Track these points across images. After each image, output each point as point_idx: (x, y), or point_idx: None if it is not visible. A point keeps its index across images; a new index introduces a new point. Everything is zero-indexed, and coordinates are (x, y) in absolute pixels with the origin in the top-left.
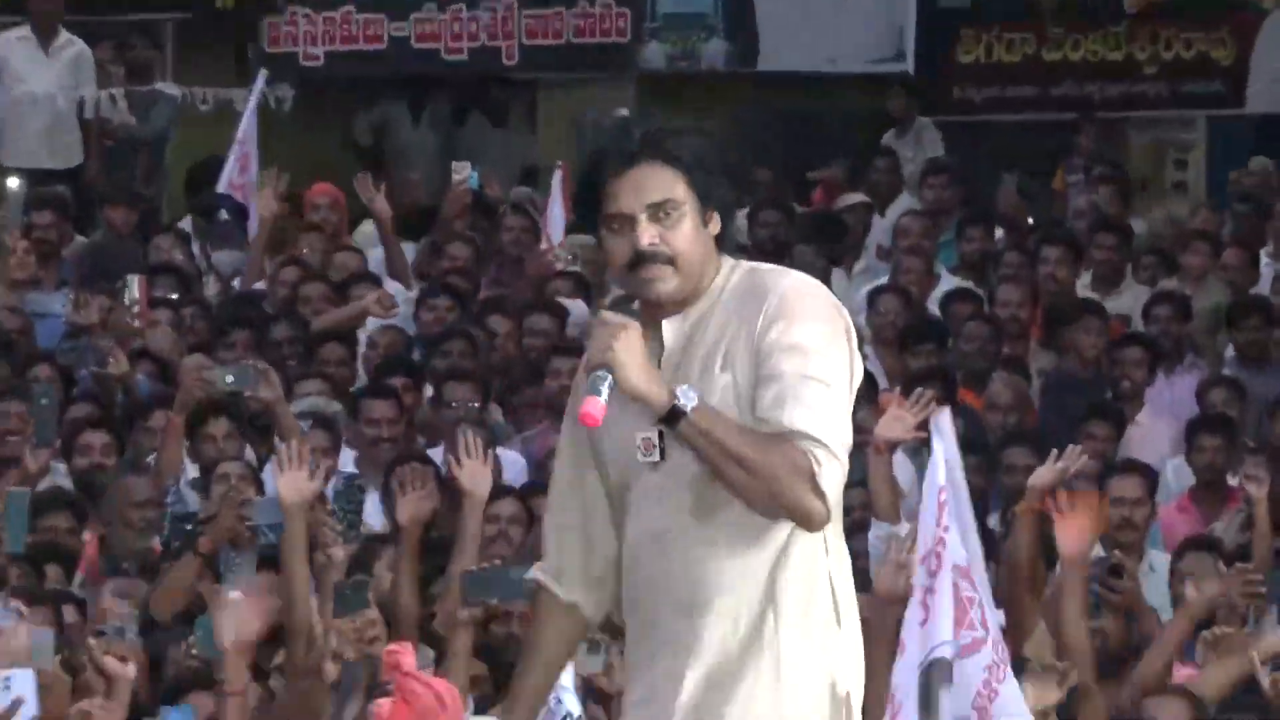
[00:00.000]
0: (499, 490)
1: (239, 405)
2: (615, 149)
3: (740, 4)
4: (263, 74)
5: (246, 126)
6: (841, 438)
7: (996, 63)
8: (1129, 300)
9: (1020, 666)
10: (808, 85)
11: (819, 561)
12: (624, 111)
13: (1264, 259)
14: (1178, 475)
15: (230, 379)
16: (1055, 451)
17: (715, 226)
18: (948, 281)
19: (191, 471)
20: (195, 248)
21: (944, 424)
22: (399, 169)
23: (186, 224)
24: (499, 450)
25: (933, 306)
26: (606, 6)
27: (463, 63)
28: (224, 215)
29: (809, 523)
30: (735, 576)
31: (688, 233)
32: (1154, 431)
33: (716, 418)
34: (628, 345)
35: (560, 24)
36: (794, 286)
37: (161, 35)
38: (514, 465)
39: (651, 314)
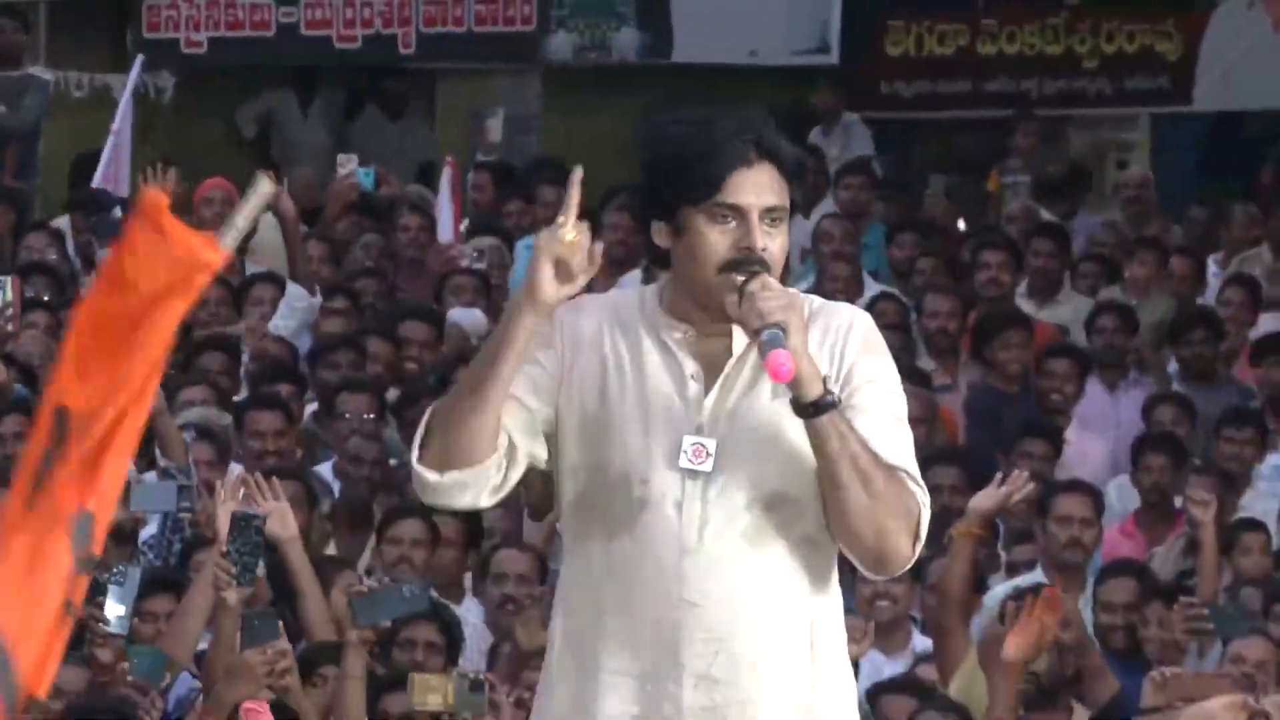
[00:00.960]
0: (399, 510)
1: None
2: (743, 135)
3: None
4: (140, 60)
5: (122, 116)
6: (914, 469)
7: (927, 56)
8: (1068, 311)
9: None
10: (727, 78)
11: (840, 604)
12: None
13: (1211, 267)
14: (1121, 496)
15: None
16: (1000, 475)
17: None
18: (871, 288)
19: None
20: (71, 246)
21: None
22: (286, 164)
23: (61, 221)
24: (394, 464)
25: None
26: None
27: (356, 51)
28: (117, 212)
29: (888, 566)
30: (782, 612)
31: (783, 244)
32: (1085, 449)
33: (852, 424)
34: (798, 312)
35: (461, 10)
36: (868, 322)
37: (33, 18)
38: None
39: (718, 317)
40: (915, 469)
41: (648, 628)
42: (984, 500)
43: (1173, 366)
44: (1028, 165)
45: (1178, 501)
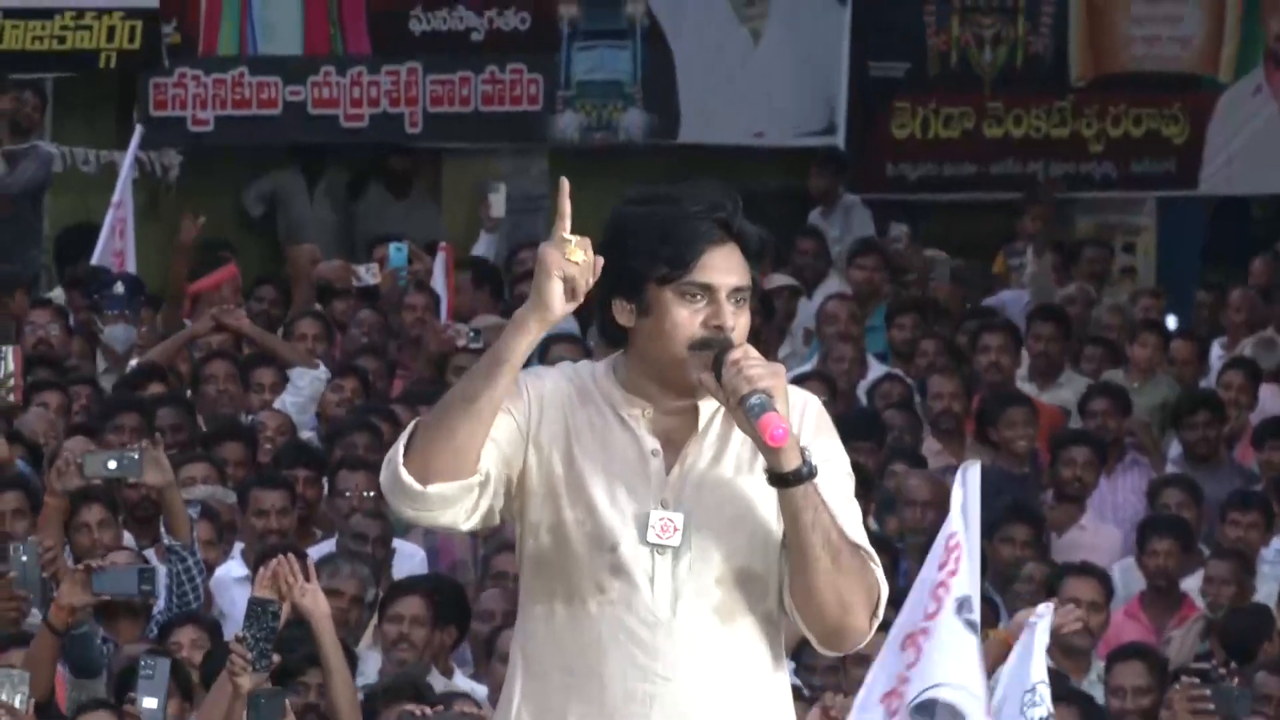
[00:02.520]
0: (399, 587)
1: (114, 493)
2: (712, 214)
3: (661, 72)
4: (139, 129)
5: (122, 189)
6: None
7: (933, 138)
8: (1069, 393)
9: None
10: (732, 159)
11: (788, 681)
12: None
13: (1215, 350)
14: (1126, 579)
15: (113, 464)
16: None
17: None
18: (876, 369)
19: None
20: (71, 321)
21: (970, 476)
22: (291, 242)
23: (57, 294)
24: (397, 542)
25: (861, 396)
26: (517, 72)
27: (363, 130)
28: (119, 288)
29: (846, 641)
30: (749, 689)
31: (746, 324)
32: (1102, 534)
33: (823, 498)
34: (782, 380)
35: (468, 90)
36: (819, 405)
37: (45, 94)
38: (412, 558)
39: (681, 393)
40: (871, 549)
41: (620, 697)
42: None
43: (1173, 450)
44: (1035, 247)
45: (1183, 585)
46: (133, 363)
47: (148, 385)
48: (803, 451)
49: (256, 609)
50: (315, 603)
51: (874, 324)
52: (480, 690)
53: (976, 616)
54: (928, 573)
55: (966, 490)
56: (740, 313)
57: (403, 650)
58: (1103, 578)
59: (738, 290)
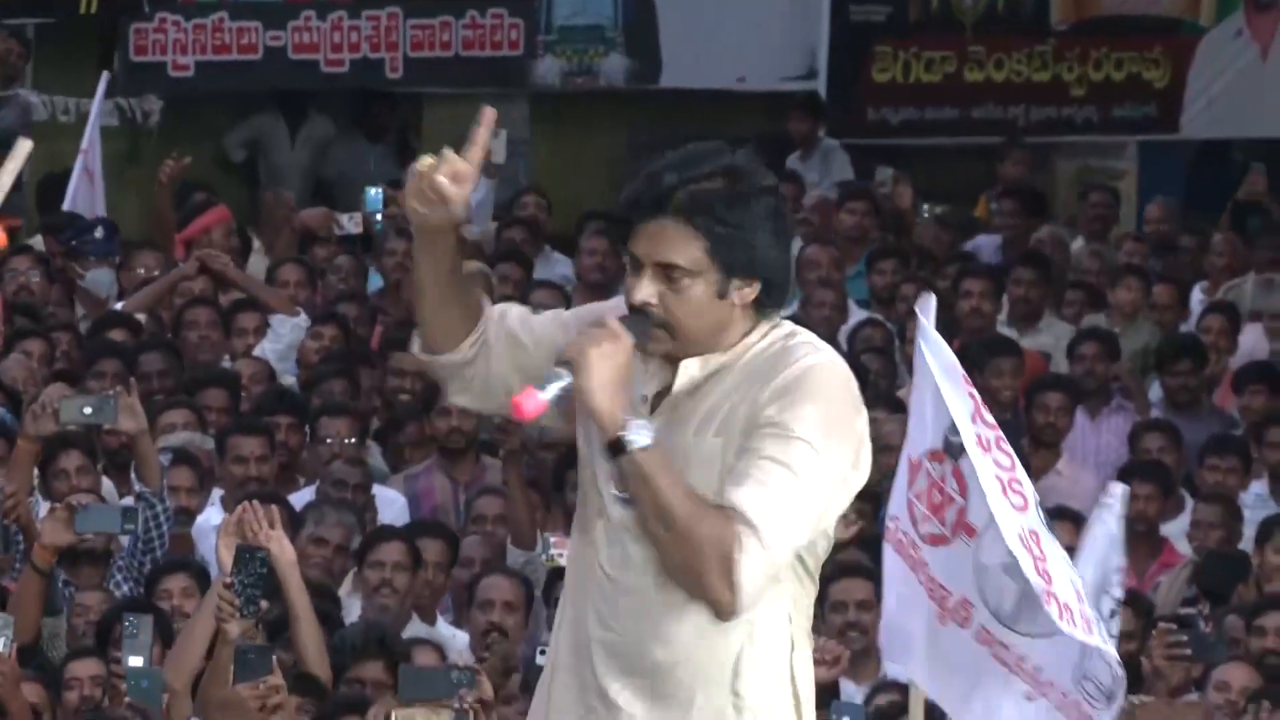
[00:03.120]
0: (380, 533)
1: (93, 439)
2: (648, 191)
3: (642, 16)
4: (105, 76)
5: (90, 137)
6: (787, 532)
7: (914, 83)
8: (1049, 338)
9: None
10: (713, 104)
11: (783, 654)
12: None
13: (1196, 294)
14: None
15: (88, 410)
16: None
17: (748, 294)
18: (857, 314)
19: (44, 510)
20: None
21: (925, 306)
22: (273, 188)
23: (36, 241)
24: (377, 489)
25: (843, 342)
26: (498, 17)
27: (344, 75)
28: (99, 232)
29: (716, 610)
30: (703, 655)
31: (694, 301)
32: (1079, 480)
33: (664, 468)
34: (605, 356)
35: (449, 35)
36: (815, 366)
37: (24, 42)
38: (392, 505)
39: (675, 350)
40: (766, 510)
41: (582, 639)
42: None
43: (1154, 394)
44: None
45: (1163, 529)
46: (116, 307)
47: (113, 330)
48: (627, 425)
49: (244, 555)
50: (281, 549)
51: (859, 270)
52: (462, 637)
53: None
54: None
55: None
56: (674, 291)
57: (384, 596)
58: (1077, 521)
59: (668, 267)
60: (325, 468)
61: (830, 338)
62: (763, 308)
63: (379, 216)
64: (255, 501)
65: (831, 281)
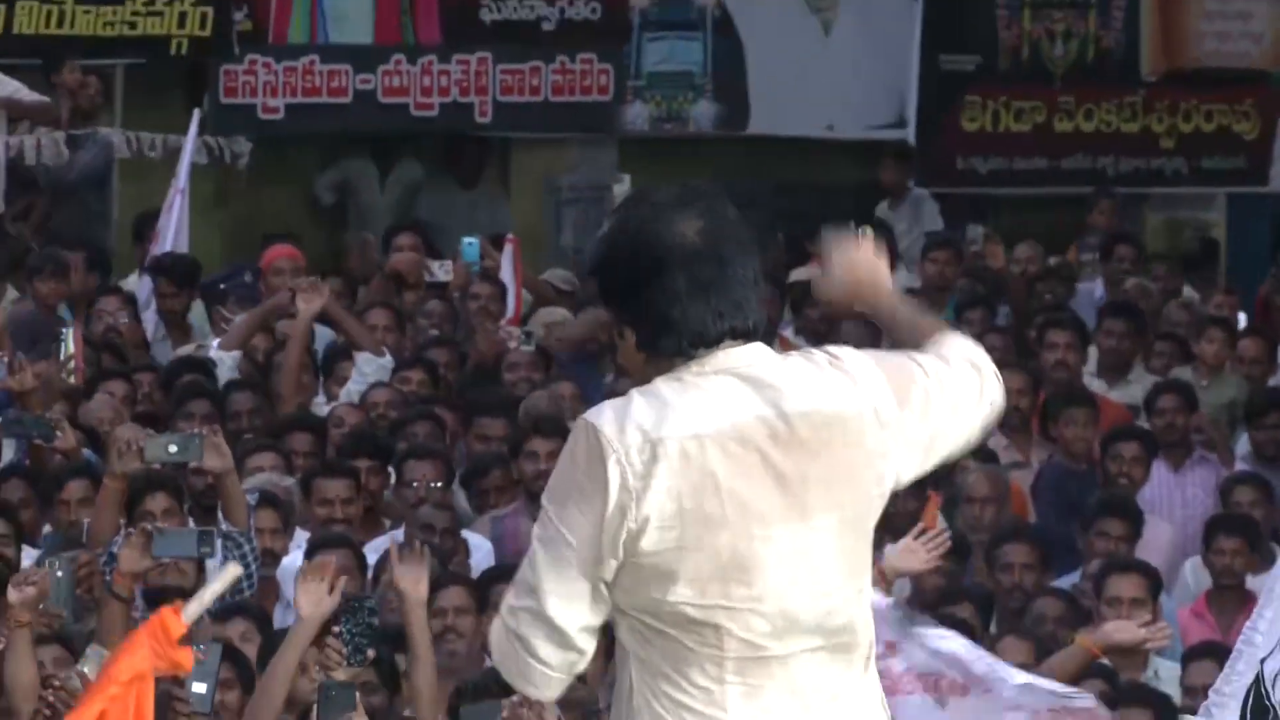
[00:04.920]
0: (440, 579)
1: (180, 481)
2: None
3: (731, 63)
4: (196, 113)
5: (185, 174)
6: (523, 617)
7: (1004, 132)
8: (1139, 390)
9: None
10: (802, 151)
11: (660, 673)
12: (623, 179)
13: None
14: (1196, 577)
15: (174, 448)
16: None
17: (627, 339)
18: None
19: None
20: (151, 309)
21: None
22: (359, 231)
23: (129, 283)
24: (465, 533)
25: None
26: (587, 62)
27: (433, 119)
28: (248, 277)
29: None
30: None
31: (620, 350)
32: (1154, 530)
33: None
34: None
35: (538, 80)
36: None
37: (110, 75)
38: (479, 549)
39: None
40: (521, 621)
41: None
42: (1120, 634)
43: (1242, 448)
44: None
45: (1250, 583)
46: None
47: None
48: None
49: (353, 604)
50: (415, 589)
51: (945, 318)
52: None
53: None
54: None
55: None
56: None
57: (450, 642)
58: (1147, 573)
59: None
60: (412, 511)
61: None
62: (651, 350)
63: (475, 268)
64: (317, 559)
65: None
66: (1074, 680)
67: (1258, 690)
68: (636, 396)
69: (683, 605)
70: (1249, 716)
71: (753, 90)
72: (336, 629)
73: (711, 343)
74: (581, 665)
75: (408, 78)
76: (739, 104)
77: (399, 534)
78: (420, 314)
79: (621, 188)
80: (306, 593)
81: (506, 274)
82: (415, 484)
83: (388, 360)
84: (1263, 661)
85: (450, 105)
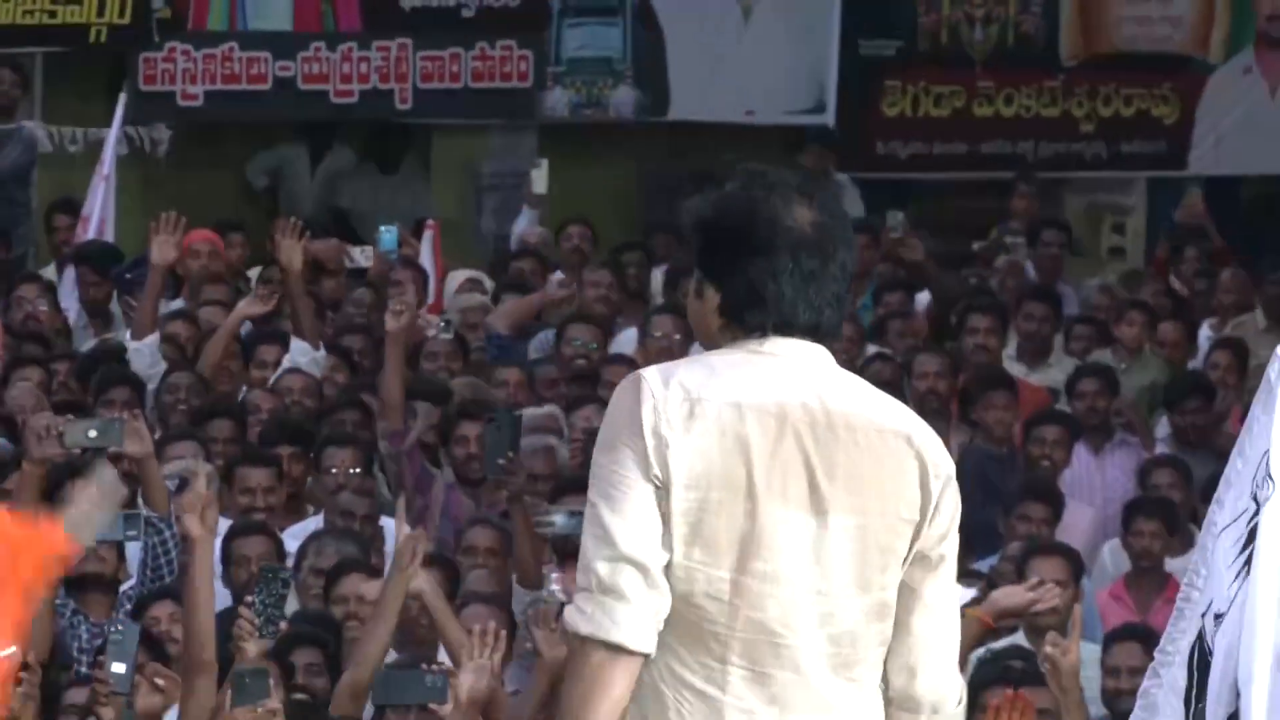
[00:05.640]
0: (341, 566)
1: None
2: None
3: (651, 49)
4: (123, 98)
5: (110, 161)
6: (612, 547)
7: (924, 117)
8: (1058, 374)
9: None
10: (723, 138)
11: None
12: (541, 163)
13: (1204, 330)
14: (1115, 560)
15: (94, 433)
16: (1035, 580)
17: (708, 300)
18: (868, 349)
19: None
20: (72, 297)
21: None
22: (290, 217)
23: (48, 271)
24: (385, 520)
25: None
26: (507, 49)
27: (353, 106)
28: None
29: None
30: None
31: (688, 300)
32: (1075, 513)
33: None
34: None
35: (458, 67)
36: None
37: (29, 66)
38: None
39: None
40: (580, 567)
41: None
42: (1008, 599)
43: (1162, 431)
44: (1025, 227)
45: (1169, 566)
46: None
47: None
48: None
49: (267, 575)
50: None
51: (863, 304)
52: None
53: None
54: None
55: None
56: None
57: (351, 630)
58: (1068, 555)
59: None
60: (332, 498)
61: (849, 371)
62: (734, 318)
63: (393, 256)
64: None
65: (849, 317)
66: (969, 652)
67: (1200, 645)
68: (686, 361)
69: (696, 572)
70: (1195, 671)
71: (673, 76)
72: (249, 599)
73: (796, 331)
74: (665, 609)
75: (327, 65)
76: (659, 90)
77: (319, 520)
78: (348, 301)
79: (539, 172)
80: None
81: (426, 258)
82: (334, 470)
83: (321, 354)
84: (1202, 616)
85: (370, 92)
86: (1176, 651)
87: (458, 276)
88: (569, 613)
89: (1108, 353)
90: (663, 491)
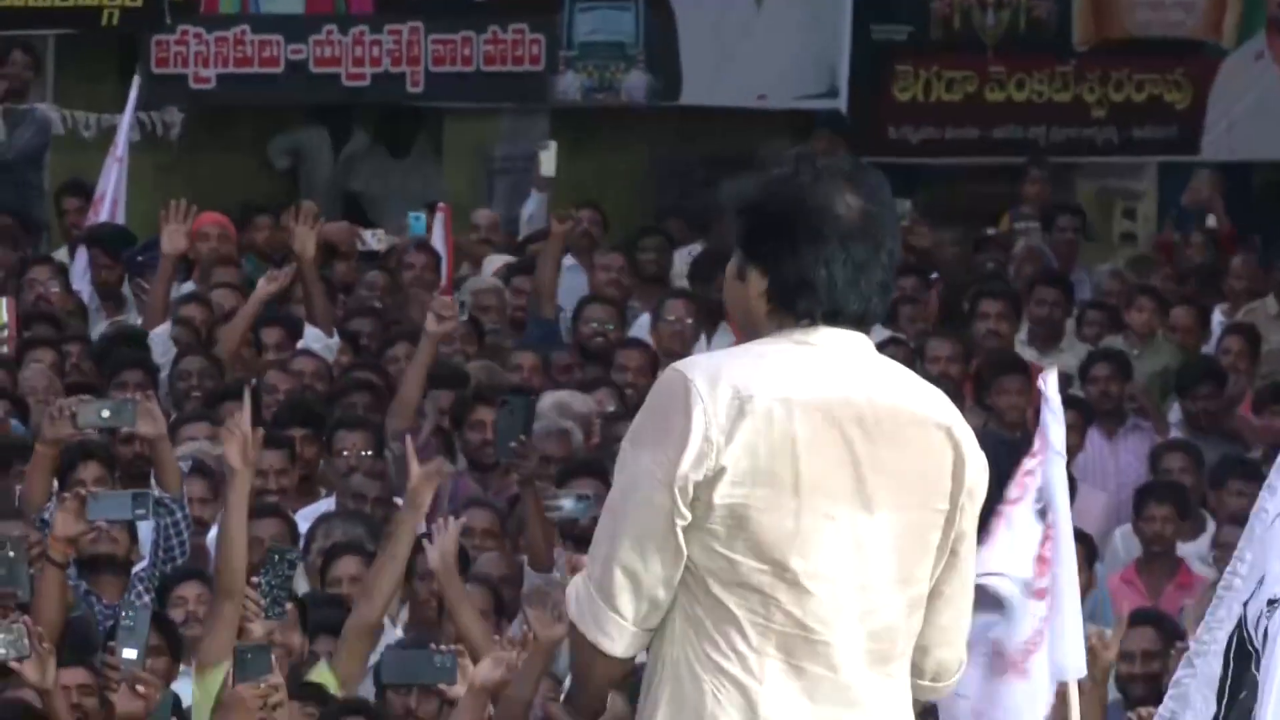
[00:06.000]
0: (334, 549)
1: (112, 451)
2: None
3: (663, 34)
4: (136, 80)
5: (124, 144)
6: (602, 554)
7: (935, 102)
8: (1070, 359)
9: None
10: (735, 122)
11: (682, 667)
12: (549, 145)
13: (1216, 315)
14: (1127, 545)
15: (107, 413)
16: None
17: (752, 284)
18: (880, 333)
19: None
20: (85, 279)
21: (1050, 380)
22: (310, 199)
23: (61, 254)
24: (397, 500)
25: None
26: (519, 32)
27: (365, 89)
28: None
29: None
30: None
31: (726, 282)
32: (1087, 498)
33: None
34: None
35: (470, 50)
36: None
37: (41, 49)
38: None
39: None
40: (589, 567)
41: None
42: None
43: (1174, 415)
44: (1038, 212)
45: (1180, 550)
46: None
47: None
48: None
49: (274, 556)
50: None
51: None
52: None
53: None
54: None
55: (1048, 391)
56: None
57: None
58: (1082, 540)
59: None
60: (344, 480)
61: None
62: (783, 303)
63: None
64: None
65: None
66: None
67: (1240, 634)
68: (733, 353)
69: (738, 564)
70: (1233, 661)
71: (685, 60)
72: (255, 579)
73: (845, 320)
74: (655, 620)
75: (339, 48)
76: (671, 74)
77: (330, 503)
78: (361, 284)
79: (547, 154)
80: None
81: (438, 241)
82: (346, 453)
83: (335, 340)
84: (1245, 605)
85: (382, 75)
86: (1213, 641)
87: (494, 262)
88: (570, 590)
89: (1120, 338)
90: (709, 485)
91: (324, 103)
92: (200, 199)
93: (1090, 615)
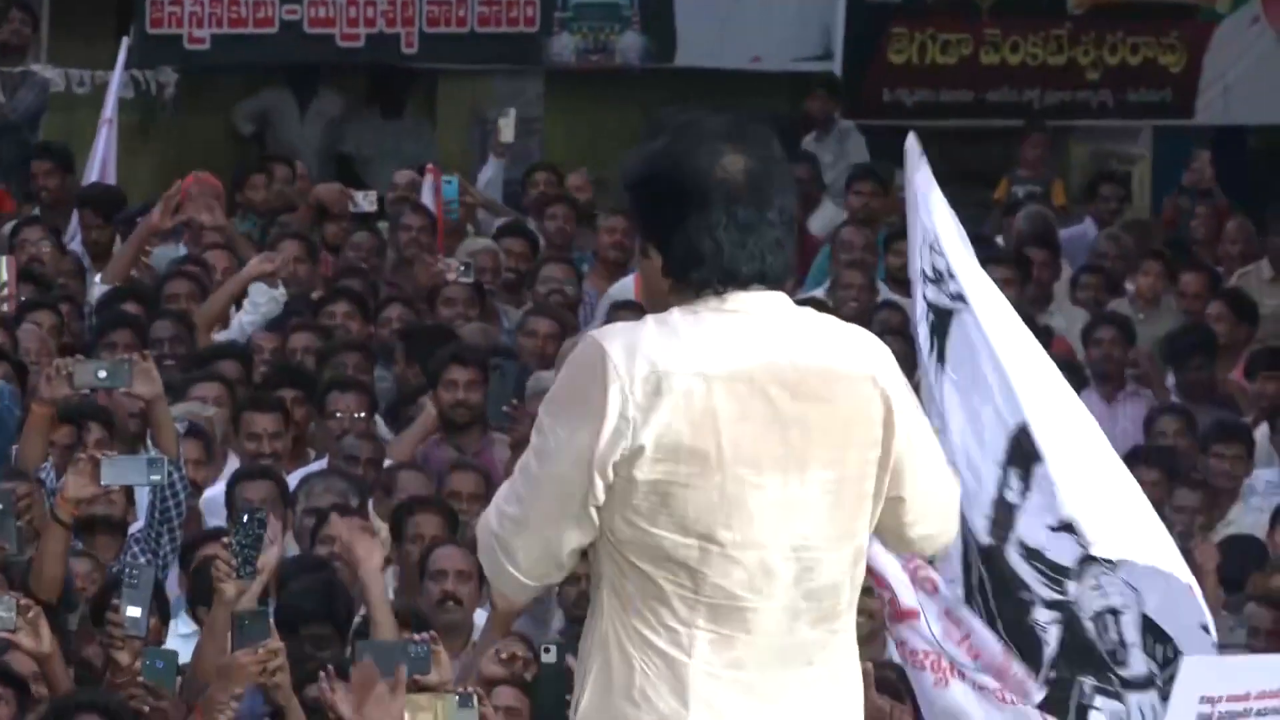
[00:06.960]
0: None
1: (113, 413)
2: None
3: None
4: (125, 42)
5: (113, 105)
6: (506, 523)
7: (930, 65)
8: (1060, 321)
9: None
10: (729, 83)
11: (606, 639)
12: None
13: None
14: None
15: (103, 374)
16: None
17: (653, 260)
18: (884, 294)
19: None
20: (75, 240)
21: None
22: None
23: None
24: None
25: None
26: None
27: (359, 50)
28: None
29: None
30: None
31: (638, 261)
32: None
33: None
34: None
35: (464, 11)
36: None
37: (37, 11)
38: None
39: None
40: (488, 515)
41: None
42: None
43: (1172, 380)
44: (1038, 176)
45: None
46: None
47: (126, 303)
48: None
49: (243, 515)
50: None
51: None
52: None
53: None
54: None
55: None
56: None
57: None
58: None
59: None
60: (335, 442)
61: (862, 319)
62: (675, 277)
63: (454, 205)
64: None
65: (864, 264)
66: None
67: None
68: (650, 324)
69: (663, 540)
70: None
71: (680, 22)
72: (226, 540)
73: (741, 283)
74: (555, 579)
75: (333, 8)
76: (666, 36)
77: (322, 464)
78: (348, 245)
79: (506, 120)
80: (360, 545)
81: (428, 202)
82: (339, 415)
83: (280, 292)
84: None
85: (376, 36)
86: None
87: (497, 224)
88: (480, 525)
89: (1124, 301)
90: (627, 463)
91: (318, 62)
92: (187, 159)
93: None
